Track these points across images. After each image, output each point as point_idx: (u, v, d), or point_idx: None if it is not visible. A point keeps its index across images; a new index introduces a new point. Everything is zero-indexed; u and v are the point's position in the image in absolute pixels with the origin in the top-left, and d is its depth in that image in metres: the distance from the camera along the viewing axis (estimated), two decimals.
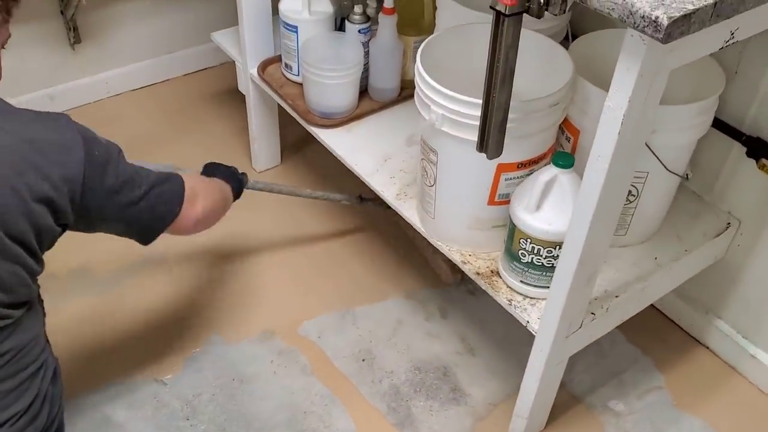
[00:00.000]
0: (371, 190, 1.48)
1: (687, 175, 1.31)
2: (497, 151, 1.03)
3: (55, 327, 1.51)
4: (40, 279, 1.02)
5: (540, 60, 1.23)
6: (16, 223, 0.87)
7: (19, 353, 0.95)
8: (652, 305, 1.63)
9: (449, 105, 1.13)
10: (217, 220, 1.25)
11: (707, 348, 1.57)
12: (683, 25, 0.79)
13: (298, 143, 1.99)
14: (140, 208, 1.04)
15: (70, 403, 1.40)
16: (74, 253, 1.67)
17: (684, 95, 1.23)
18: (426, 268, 1.69)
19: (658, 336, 1.59)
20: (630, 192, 1.24)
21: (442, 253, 1.37)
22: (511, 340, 1.54)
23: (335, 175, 1.84)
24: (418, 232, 1.40)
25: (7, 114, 0.90)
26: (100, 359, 1.49)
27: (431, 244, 1.39)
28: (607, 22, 1.22)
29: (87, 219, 0.99)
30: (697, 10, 0.79)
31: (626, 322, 1.58)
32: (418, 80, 1.18)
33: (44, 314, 1.09)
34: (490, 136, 1.00)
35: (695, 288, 1.54)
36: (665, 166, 1.20)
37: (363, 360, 1.51)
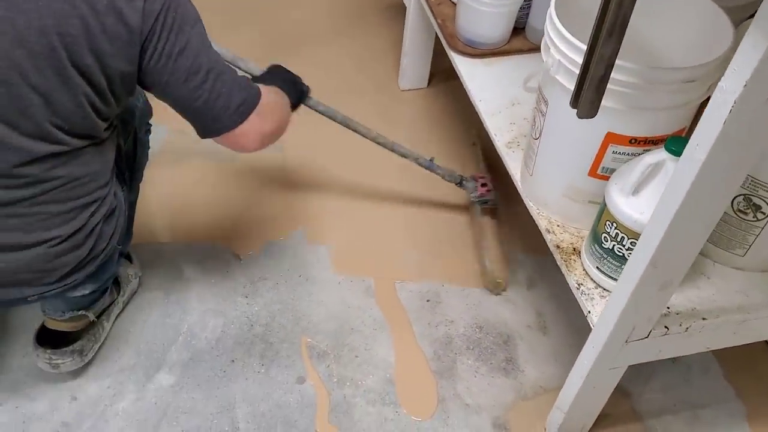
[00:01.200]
0: (485, 130, 1.38)
1: None
2: (590, 111, 0.90)
3: (167, 179, 1.63)
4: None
5: (700, 30, 1.06)
6: (81, 54, 0.89)
7: (72, 183, 1.00)
8: None
9: (566, 51, 1.00)
10: (277, 138, 1.16)
11: None
12: None
13: (448, 72, 1.91)
14: (208, 92, 1.00)
15: (153, 247, 1.50)
16: None
17: None
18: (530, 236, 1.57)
19: (764, 384, 1.38)
20: (758, 207, 1.05)
21: (493, 263, 1.40)
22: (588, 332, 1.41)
23: (477, 120, 1.76)
24: (479, 228, 1.38)
25: None
26: (193, 217, 1.57)
27: (487, 249, 1.41)
28: None
29: (153, 78, 0.98)
30: None
31: (730, 356, 1.39)
32: (546, 19, 1.06)
33: (123, 155, 1.14)
34: (584, 91, 0.88)
35: None
36: None
37: (428, 300, 1.46)
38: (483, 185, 1.55)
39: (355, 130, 1.44)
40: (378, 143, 1.46)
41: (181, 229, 1.55)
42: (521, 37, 1.53)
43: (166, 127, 1.72)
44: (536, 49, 1.50)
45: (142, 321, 1.38)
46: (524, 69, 1.47)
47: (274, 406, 1.28)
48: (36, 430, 1.23)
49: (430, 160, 1.51)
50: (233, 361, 1.34)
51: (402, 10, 1.83)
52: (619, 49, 0.84)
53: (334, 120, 1.42)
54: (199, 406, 1.27)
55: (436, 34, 1.76)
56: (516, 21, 1.51)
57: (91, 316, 1.27)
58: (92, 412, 1.25)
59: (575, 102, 0.91)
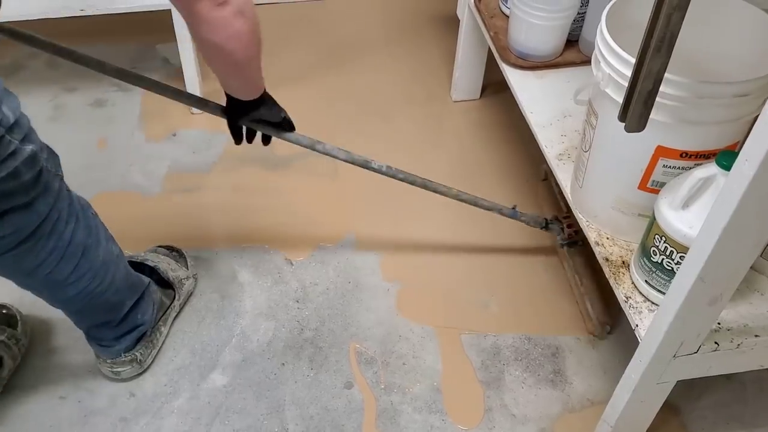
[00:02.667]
0: (537, 143, 1.39)
1: None
2: (639, 125, 0.90)
3: (220, 185, 1.68)
4: None
5: (754, 44, 1.05)
6: None
7: None
8: None
9: (615, 64, 1.01)
10: (238, 52, 1.00)
11: None
12: None
13: (500, 84, 1.91)
14: None
15: (210, 253, 1.55)
16: None
17: None
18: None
19: None
20: None
21: (596, 306, 1.37)
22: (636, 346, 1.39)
23: (528, 131, 1.77)
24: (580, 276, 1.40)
25: None
26: (247, 223, 1.61)
27: (587, 292, 1.39)
28: None
29: None
30: None
31: None
32: (597, 33, 1.07)
33: None
34: (633, 105, 0.88)
35: None
36: None
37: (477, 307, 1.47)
38: (569, 226, 1.48)
39: (434, 191, 1.40)
40: (460, 200, 1.42)
41: (236, 235, 1.60)
42: (574, 49, 1.54)
43: (224, 136, 1.78)
44: (589, 61, 1.50)
45: (198, 322, 1.43)
46: (576, 81, 1.47)
47: (323, 409, 1.31)
48: (96, 424, 1.29)
49: (513, 208, 1.47)
50: (283, 364, 1.37)
51: (455, 22, 1.85)
52: (667, 63, 0.85)
53: (413, 184, 1.38)
54: (250, 406, 1.31)
55: (488, 47, 1.78)
56: (569, 33, 1.51)
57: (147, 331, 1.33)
58: (149, 409, 1.31)
59: (623, 116, 0.91)
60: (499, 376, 1.37)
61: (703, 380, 1.33)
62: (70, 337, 1.39)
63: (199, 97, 1.30)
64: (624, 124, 0.92)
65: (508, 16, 1.60)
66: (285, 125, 1.28)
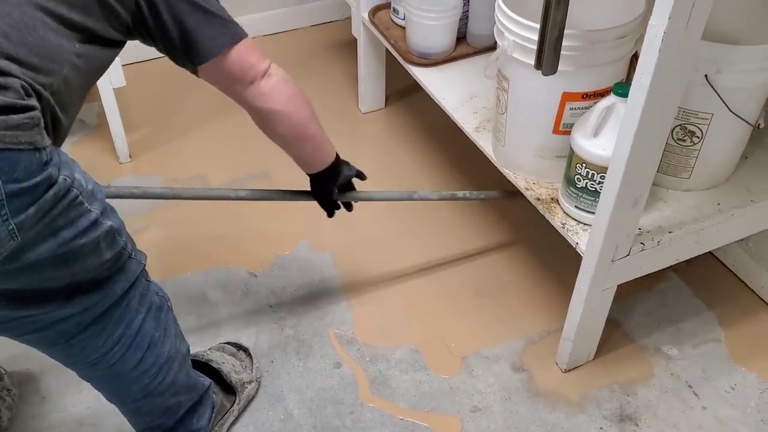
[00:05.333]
0: (455, 122, 1.60)
1: (759, 124, 1.33)
2: (552, 68, 1.12)
3: (168, 220, 1.77)
4: None
5: (625, 4, 1.30)
6: None
7: None
8: (723, 264, 1.65)
9: (520, 31, 1.23)
10: (299, 112, 1.15)
11: None
12: None
13: (402, 91, 2.14)
14: (203, 12, 1.00)
15: (175, 280, 1.63)
16: (196, 163, 1.92)
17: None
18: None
19: (726, 294, 1.61)
20: (693, 132, 1.29)
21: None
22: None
23: (433, 125, 1.99)
24: None
25: None
26: (204, 248, 1.71)
27: None
28: None
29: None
30: None
31: (694, 277, 1.62)
32: (496, 9, 1.29)
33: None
34: (545, 53, 1.10)
35: (766, 249, 1.55)
36: (729, 108, 1.24)
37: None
38: None
39: (420, 199, 1.55)
40: (444, 200, 1.65)
41: (195, 262, 1.68)
42: (464, 44, 1.77)
43: (159, 177, 1.88)
44: (479, 51, 1.75)
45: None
46: (473, 69, 1.71)
47: (320, 390, 1.43)
48: None
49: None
50: (272, 361, 1.48)
51: (347, 45, 2.05)
52: (566, 13, 1.07)
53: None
54: (253, 404, 1.40)
55: (387, 58, 1.99)
56: (458, 31, 1.75)
57: None
58: None
59: (538, 63, 1.13)
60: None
61: (633, 295, 1.58)
62: (60, 381, 1.42)
63: (287, 190, 1.39)
64: (540, 71, 1.14)
65: (400, 26, 1.82)
66: (361, 176, 1.40)
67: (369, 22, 1.88)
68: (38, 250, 0.83)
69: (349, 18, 2.06)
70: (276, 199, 1.42)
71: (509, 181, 1.45)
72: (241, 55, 1.05)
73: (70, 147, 1.98)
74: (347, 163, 1.36)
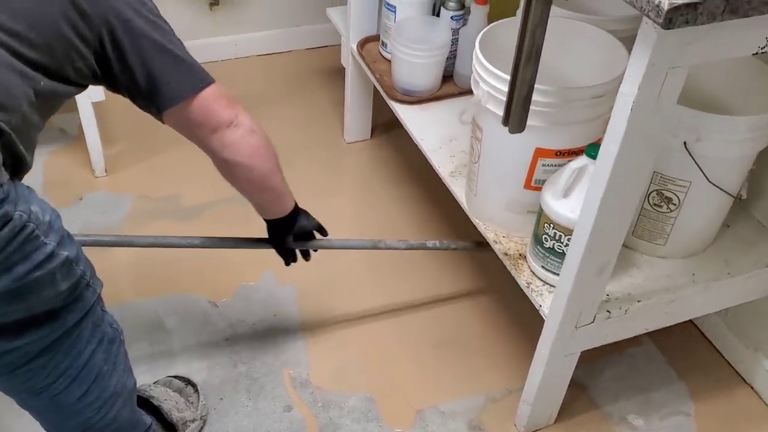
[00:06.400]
0: (431, 165, 1.55)
1: (741, 196, 1.28)
2: (519, 126, 1.07)
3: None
4: None
5: (602, 58, 1.26)
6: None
7: None
8: (701, 333, 1.60)
9: (493, 82, 1.18)
10: (262, 165, 1.13)
11: (751, 387, 1.50)
12: (687, 13, 0.81)
13: (388, 124, 2.09)
14: (170, 56, 0.99)
15: (133, 303, 1.59)
16: (170, 184, 1.87)
17: (755, 105, 1.20)
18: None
19: (701, 365, 1.55)
20: (669, 199, 1.24)
21: None
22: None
23: (414, 162, 1.93)
24: None
25: None
26: (167, 272, 1.66)
27: None
28: None
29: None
30: (705, 1, 0.81)
31: (669, 343, 1.56)
32: (474, 57, 1.24)
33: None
34: (513, 110, 1.05)
35: (746, 322, 1.49)
36: (707, 177, 1.19)
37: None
38: None
39: (387, 248, 1.49)
40: (413, 249, 1.56)
41: (157, 286, 1.64)
42: (451, 83, 1.73)
43: (131, 195, 1.84)
44: (464, 92, 1.71)
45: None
46: (456, 110, 1.65)
47: None
48: None
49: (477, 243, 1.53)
50: (222, 398, 1.43)
51: (340, 73, 2.01)
52: (536, 71, 1.02)
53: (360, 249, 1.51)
54: None
55: (374, 90, 1.95)
56: (444, 70, 1.71)
57: None
58: None
59: (506, 120, 1.08)
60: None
61: (601, 359, 1.52)
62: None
63: (243, 239, 1.37)
64: (507, 128, 1.09)
65: (388, 60, 1.78)
66: (322, 231, 1.38)
67: (357, 54, 1.84)
68: None
69: (339, 45, 2.02)
70: (232, 248, 1.40)
71: (480, 232, 1.40)
72: (207, 101, 1.03)
73: (48, 156, 1.95)
74: (306, 214, 1.33)
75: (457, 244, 1.57)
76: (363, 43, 1.84)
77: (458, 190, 1.47)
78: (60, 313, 0.94)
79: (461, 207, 1.45)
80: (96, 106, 1.82)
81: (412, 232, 1.79)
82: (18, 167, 0.89)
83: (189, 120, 1.04)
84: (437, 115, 1.66)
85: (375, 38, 1.85)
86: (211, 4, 2.24)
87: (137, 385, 1.20)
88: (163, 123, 1.06)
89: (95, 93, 1.76)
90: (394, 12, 1.71)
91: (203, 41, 2.30)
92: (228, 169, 1.11)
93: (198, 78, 1.03)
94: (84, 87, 1.00)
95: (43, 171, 1.91)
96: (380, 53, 1.81)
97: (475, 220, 1.41)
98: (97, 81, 1.00)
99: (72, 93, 0.99)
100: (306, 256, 1.40)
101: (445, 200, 1.69)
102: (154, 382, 1.39)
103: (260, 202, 1.23)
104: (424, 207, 1.87)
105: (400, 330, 1.58)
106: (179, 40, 1.04)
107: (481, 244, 1.49)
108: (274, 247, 1.35)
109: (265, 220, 1.29)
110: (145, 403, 1.31)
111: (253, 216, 1.27)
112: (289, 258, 1.38)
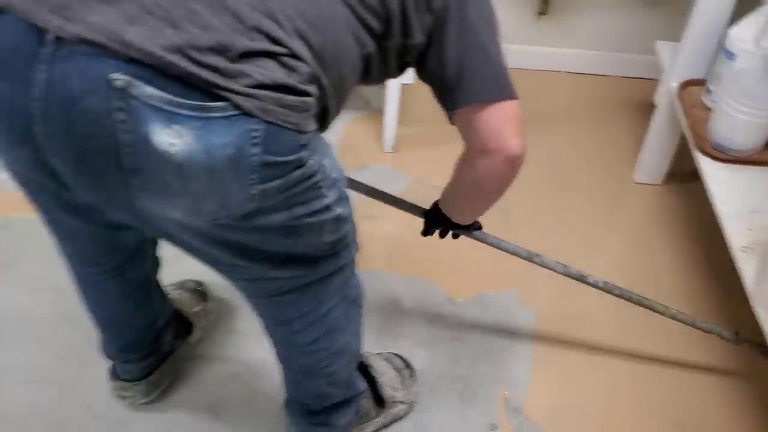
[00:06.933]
0: (722, 233, 1.39)
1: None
2: None
3: (401, 215, 1.77)
4: None
5: None
6: None
7: None
8: None
9: None
10: (494, 195, 1.11)
11: None
12: None
13: (686, 175, 1.92)
14: (486, 55, 0.96)
15: (380, 274, 1.66)
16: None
17: None
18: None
19: None
20: None
21: None
22: None
23: (705, 224, 1.75)
24: None
25: None
26: (420, 255, 1.70)
27: None
28: None
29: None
30: None
31: None
32: None
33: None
34: None
35: None
36: None
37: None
38: None
39: (650, 308, 1.41)
40: (676, 320, 1.42)
41: (405, 265, 1.69)
42: None
43: (410, 177, 1.92)
44: None
45: None
46: None
47: None
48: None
49: (736, 333, 1.43)
50: (432, 391, 1.44)
51: (647, 108, 1.89)
52: None
53: (629, 300, 1.41)
54: (396, 425, 1.38)
55: (681, 135, 1.80)
56: None
57: None
58: None
59: None
60: None
61: None
62: (250, 324, 1.52)
63: (403, 200, 1.41)
64: None
65: (708, 108, 1.63)
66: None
67: (676, 94, 1.71)
68: (271, 217, 0.88)
69: (651, 80, 1.89)
70: (388, 203, 1.41)
71: (760, 326, 1.23)
72: (500, 116, 0.98)
73: (348, 122, 2.10)
74: (474, 229, 1.36)
75: (714, 329, 1.40)
76: (685, 85, 1.71)
77: (746, 268, 1.30)
78: (317, 262, 1.00)
79: (743, 289, 1.29)
80: (403, 87, 1.91)
81: (673, 295, 1.64)
82: (323, 122, 0.94)
83: (470, 126, 1.00)
84: (747, 180, 1.48)
85: (699, 82, 1.70)
86: (539, 13, 2.23)
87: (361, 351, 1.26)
88: (449, 121, 1.03)
89: (406, 75, 1.84)
90: (734, 60, 1.55)
91: (522, 48, 2.30)
92: (466, 168, 1.08)
93: (505, 89, 0.99)
94: (399, 73, 1.02)
95: (342, 133, 2.06)
96: (701, 99, 1.67)
97: (758, 310, 1.24)
98: (408, 67, 1.02)
99: (386, 76, 1.02)
100: (455, 236, 1.40)
101: (725, 276, 1.53)
102: (377, 353, 1.44)
103: (453, 203, 1.24)
104: (696, 273, 1.70)
105: (635, 388, 1.47)
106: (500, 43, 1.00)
107: (761, 348, 1.31)
108: (426, 221, 1.37)
109: (436, 202, 1.31)
110: (364, 370, 1.36)
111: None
112: (427, 233, 1.39)
